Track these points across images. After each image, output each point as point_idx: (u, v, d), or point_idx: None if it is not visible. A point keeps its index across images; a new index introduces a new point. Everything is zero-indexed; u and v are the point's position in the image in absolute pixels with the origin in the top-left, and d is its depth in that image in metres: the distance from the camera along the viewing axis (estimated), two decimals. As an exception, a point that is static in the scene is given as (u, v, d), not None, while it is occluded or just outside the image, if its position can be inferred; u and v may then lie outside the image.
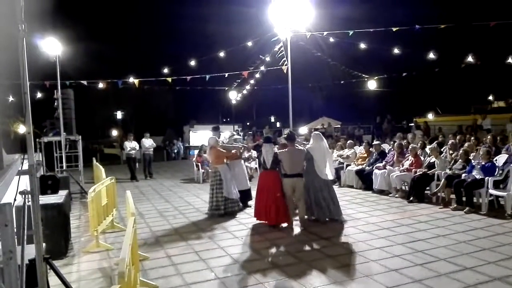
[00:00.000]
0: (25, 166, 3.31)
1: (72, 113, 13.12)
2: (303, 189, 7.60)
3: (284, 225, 7.51)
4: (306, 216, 7.63)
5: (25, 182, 3.37)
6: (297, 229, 7.27)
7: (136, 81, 16.19)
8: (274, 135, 22.13)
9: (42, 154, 12.03)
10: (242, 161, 9.83)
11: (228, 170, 8.83)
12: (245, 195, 9.31)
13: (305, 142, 8.85)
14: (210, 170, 9.00)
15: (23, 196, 3.30)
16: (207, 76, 16.75)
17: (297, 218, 7.62)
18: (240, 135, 15.85)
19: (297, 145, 7.91)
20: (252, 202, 9.38)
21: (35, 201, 3.34)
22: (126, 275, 2.87)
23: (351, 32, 12.79)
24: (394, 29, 12.16)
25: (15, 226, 2.67)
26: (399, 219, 7.65)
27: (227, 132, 10.91)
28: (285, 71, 12.65)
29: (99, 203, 6.68)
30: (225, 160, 8.92)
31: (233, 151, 9.27)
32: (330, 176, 7.91)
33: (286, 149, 7.65)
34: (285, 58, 12.56)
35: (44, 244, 3.57)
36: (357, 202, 9.48)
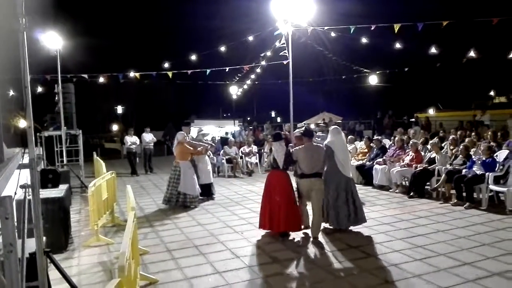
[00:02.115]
0: (26, 160, 3.31)
1: (73, 107, 13.11)
2: (323, 192, 6.66)
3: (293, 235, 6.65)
4: (326, 224, 6.80)
5: (25, 176, 3.38)
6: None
7: (137, 75, 16.18)
8: (273, 130, 22.09)
9: (42, 148, 12.03)
10: (206, 156, 10.19)
11: (189, 168, 9.13)
12: (207, 189, 9.84)
13: (322, 134, 8.57)
14: (173, 164, 9.29)
15: (24, 189, 3.31)
16: (208, 71, 16.73)
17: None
18: (242, 130, 15.88)
19: (314, 141, 7.09)
20: (213, 197, 9.91)
21: (36, 195, 3.34)
22: (126, 269, 2.87)
23: (352, 28, 12.74)
24: (395, 27, 12.09)
25: (15, 219, 2.68)
26: (399, 214, 7.66)
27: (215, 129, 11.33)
28: (285, 63, 12.61)
29: (99, 197, 6.70)
30: (189, 158, 9.21)
31: (199, 148, 9.51)
32: (350, 173, 6.94)
33: (303, 146, 6.71)
34: (285, 52, 12.53)
35: (44, 238, 3.58)
36: (357, 197, 9.47)
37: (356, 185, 10.96)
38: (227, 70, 17.21)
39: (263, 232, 6.77)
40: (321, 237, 6.41)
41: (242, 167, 14.40)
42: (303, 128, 7.43)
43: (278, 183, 6.61)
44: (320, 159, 6.65)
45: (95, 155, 13.27)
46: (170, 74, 16.30)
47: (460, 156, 9.03)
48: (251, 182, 12.20)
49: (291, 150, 6.82)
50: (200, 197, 9.43)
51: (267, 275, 4.90)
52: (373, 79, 21.58)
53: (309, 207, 6.95)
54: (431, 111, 24.28)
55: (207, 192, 9.82)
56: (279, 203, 6.44)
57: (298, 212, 6.62)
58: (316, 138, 7.68)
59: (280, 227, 6.43)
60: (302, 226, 6.69)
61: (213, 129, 22.93)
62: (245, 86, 22.19)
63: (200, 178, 9.57)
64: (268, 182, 6.76)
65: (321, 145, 6.94)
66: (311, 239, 6.36)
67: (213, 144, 11.20)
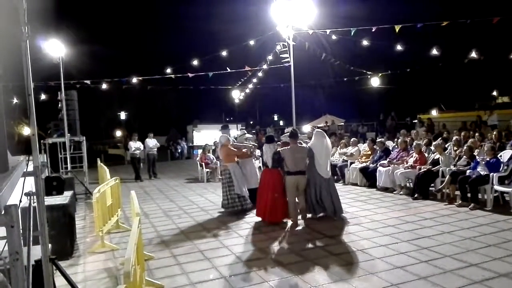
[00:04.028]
0: (30, 168, 3.33)
1: (76, 114, 13.14)
2: (306, 187, 7.63)
3: (288, 223, 7.51)
4: (309, 215, 7.72)
5: (30, 184, 3.39)
6: (301, 227, 7.27)
7: (140, 78, 16.30)
8: (277, 133, 22.09)
9: (46, 155, 12.06)
10: (253, 159, 9.85)
11: (237, 168, 8.90)
12: (255, 193, 9.31)
13: (307, 140, 8.84)
14: (220, 169, 9.13)
15: (29, 197, 3.32)
16: (210, 74, 16.80)
17: (300, 216, 7.64)
18: (245, 134, 15.83)
19: (300, 142, 7.91)
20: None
21: (41, 202, 3.35)
22: (131, 275, 2.88)
23: (353, 31, 12.75)
24: (396, 28, 12.12)
25: (21, 227, 2.69)
26: (404, 216, 7.63)
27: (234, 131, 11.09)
28: (287, 64, 12.62)
29: (104, 203, 6.71)
30: (236, 159, 9.01)
31: (243, 150, 9.34)
32: (327, 174, 7.76)
33: (289, 147, 7.64)
34: (287, 56, 12.56)
35: (50, 245, 3.59)
36: (361, 199, 9.46)
37: (360, 187, 11.09)
38: (228, 71, 17.22)
39: (267, 236, 6.82)
40: (326, 240, 6.40)
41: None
42: (290, 131, 8.12)
43: (268, 180, 7.75)
44: (303, 158, 7.63)
45: (99, 161, 13.30)
46: (173, 76, 16.42)
47: (464, 157, 9.01)
48: (254, 186, 12.18)
49: (280, 150, 7.71)
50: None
51: (271, 279, 4.88)
52: (375, 81, 21.57)
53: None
54: (434, 112, 24.22)
55: (255, 196, 9.35)
56: (270, 197, 7.53)
57: (284, 205, 7.59)
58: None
59: (272, 217, 7.54)
60: (286, 219, 7.62)
61: (216, 134, 22.96)
62: (247, 90, 22.23)
63: (249, 183, 9.09)
64: (261, 179, 8.10)
65: (304, 145, 7.92)
66: (312, 232, 6.37)
67: (256, 144, 10.85)
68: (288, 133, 8.23)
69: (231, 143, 9.29)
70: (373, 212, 8.11)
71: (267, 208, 7.55)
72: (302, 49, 14.02)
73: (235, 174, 8.71)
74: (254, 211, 8.08)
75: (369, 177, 11.11)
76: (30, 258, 3.12)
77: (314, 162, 7.65)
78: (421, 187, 9.20)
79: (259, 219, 7.79)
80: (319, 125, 25.57)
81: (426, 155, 10.10)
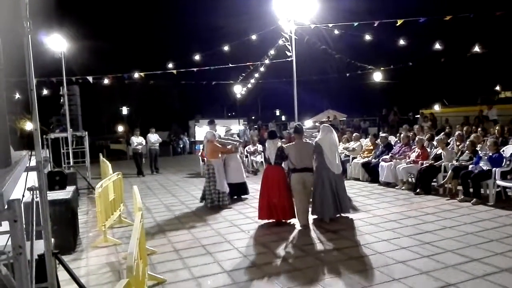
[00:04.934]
0: (33, 163, 3.33)
1: (78, 109, 13.16)
2: (313, 185, 7.24)
3: (294, 222, 7.31)
4: (315, 216, 7.33)
5: (33, 179, 3.39)
6: (304, 223, 7.26)
7: (142, 74, 16.29)
8: (279, 128, 22.11)
9: (49, 150, 12.09)
10: (238, 155, 10.07)
11: (221, 166, 9.07)
12: (239, 188, 9.65)
13: (316, 134, 8.76)
14: (205, 163, 9.24)
15: (31, 192, 3.32)
16: (212, 68, 16.80)
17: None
18: (247, 129, 15.88)
19: (305, 138, 7.76)
20: (247, 196, 9.78)
21: (43, 197, 3.36)
22: (134, 269, 2.89)
23: (355, 24, 12.72)
24: (398, 22, 12.09)
25: (24, 222, 2.69)
26: (406, 211, 7.63)
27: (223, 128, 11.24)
28: (289, 59, 12.58)
29: (106, 198, 6.72)
30: (220, 155, 9.12)
31: (228, 146, 9.49)
32: (339, 169, 7.45)
33: (294, 143, 7.39)
34: (289, 50, 12.53)
35: (52, 240, 3.60)
36: (363, 194, 9.47)
37: (362, 182, 11.09)
38: (229, 65, 17.19)
39: (269, 230, 6.82)
40: (328, 235, 6.41)
41: (247, 166, 14.39)
42: (294, 127, 7.97)
43: (272, 177, 7.30)
44: (309, 155, 7.23)
45: (101, 157, 13.33)
46: (175, 72, 16.42)
47: (467, 151, 8.99)
48: (256, 181, 12.16)
49: (284, 146, 7.43)
50: (235, 197, 9.37)
51: (273, 274, 4.90)
52: (377, 76, 21.50)
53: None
54: (436, 107, 24.13)
55: (240, 191, 9.65)
56: (275, 195, 7.12)
57: (291, 202, 7.22)
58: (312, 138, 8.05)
59: (278, 216, 7.17)
60: (294, 218, 7.26)
61: (218, 129, 22.98)
62: (249, 85, 22.18)
63: (230, 177, 9.34)
64: (264, 176, 7.46)
65: (310, 142, 7.58)
66: (314, 226, 6.38)
67: (241, 141, 11.07)
68: (294, 128, 8.10)
69: (217, 139, 9.39)
70: (375, 207, 8.12)
71: (275, 206, 7.10)
72: (304, 43, 13.99)
73: (219, 171, 8.86)
74: (255, 206, 8.04)
75: (371, 172, 11.11)
76: (33, 252, 3.12)
77: (323, 159, 7.19)
78: (423, 182, 9.20)
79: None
80: (321, 120, 25.54)
81: (429, 150, 10.09)
